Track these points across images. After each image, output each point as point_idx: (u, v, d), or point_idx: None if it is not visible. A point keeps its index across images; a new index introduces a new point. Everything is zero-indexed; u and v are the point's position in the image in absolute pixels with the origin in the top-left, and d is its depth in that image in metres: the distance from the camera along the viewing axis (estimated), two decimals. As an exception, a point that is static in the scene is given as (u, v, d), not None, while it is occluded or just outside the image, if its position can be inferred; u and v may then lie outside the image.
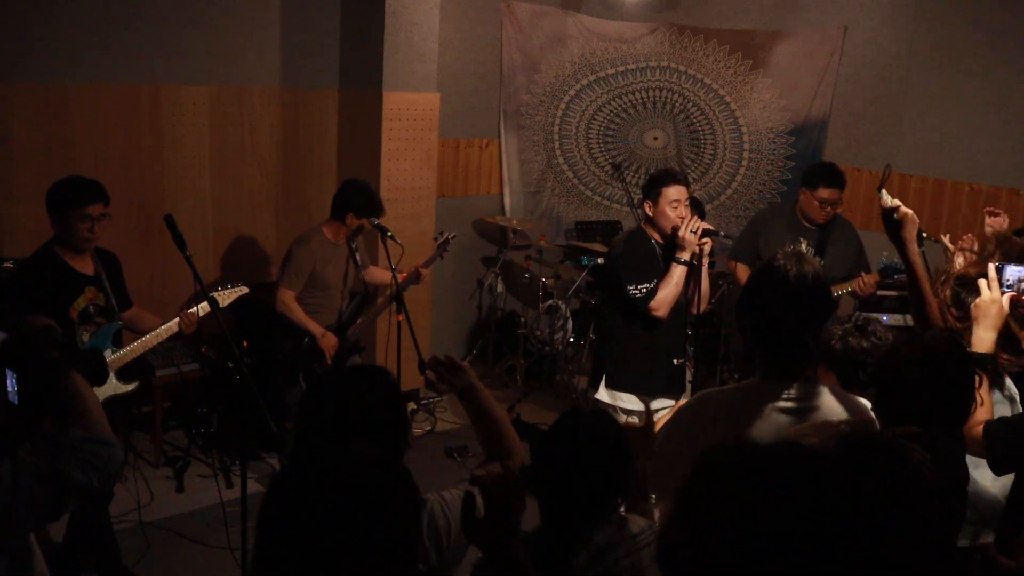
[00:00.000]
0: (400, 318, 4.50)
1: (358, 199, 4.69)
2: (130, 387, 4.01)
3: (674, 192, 3.87)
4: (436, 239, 5.11)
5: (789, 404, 2.16)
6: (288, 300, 4.70)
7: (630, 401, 4.03)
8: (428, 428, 5.79)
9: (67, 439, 1.92)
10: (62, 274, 3.75)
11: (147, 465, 4.88)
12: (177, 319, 4.09)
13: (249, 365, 3.64)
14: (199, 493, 4.68)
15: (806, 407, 2.16)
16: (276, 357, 4.83)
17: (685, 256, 3.84)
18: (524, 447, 2.17)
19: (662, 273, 3.91)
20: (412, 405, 5.96)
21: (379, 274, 5.11)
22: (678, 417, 2.35)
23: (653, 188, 3.92)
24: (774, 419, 2.15)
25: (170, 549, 4.18)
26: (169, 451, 5.03)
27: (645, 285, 3.85)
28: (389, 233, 4.62)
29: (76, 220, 3.70)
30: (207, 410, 5.10)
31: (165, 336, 4.09)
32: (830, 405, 2.19)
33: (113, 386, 3.96)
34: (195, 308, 4.10)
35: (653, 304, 3.84)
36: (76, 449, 1.90)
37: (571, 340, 6.41)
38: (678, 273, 3.84)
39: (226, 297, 4.25)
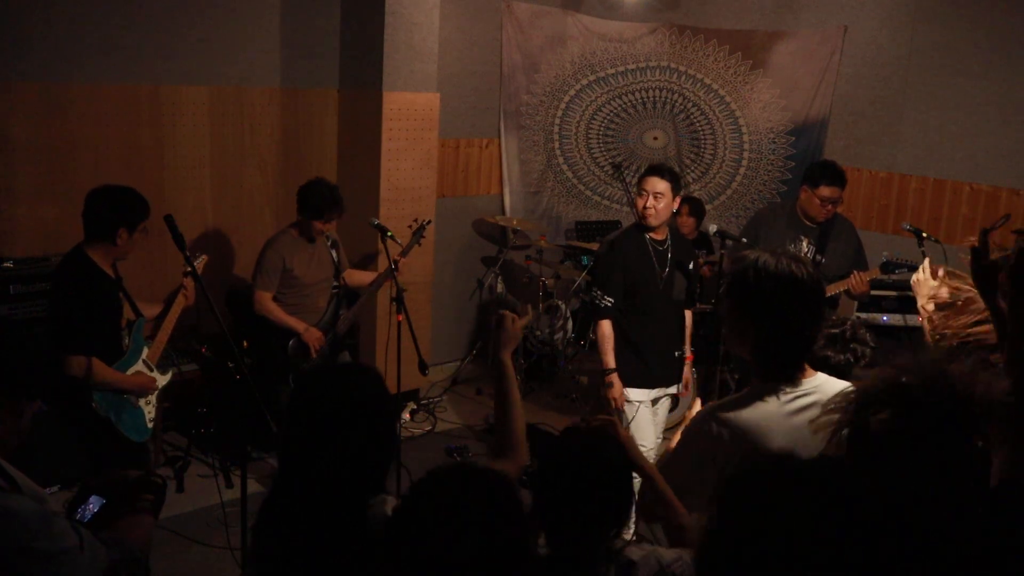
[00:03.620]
0: (400, 318, 4.50)
1: (317, 202, 4.63)
2: (168, 377, 4.03)
3: (647, 184, 4.08)
4: (411, 226, 5.10)
5: (796, 403, 2.15)
6: (264, 301, 4.71)
7: (635, 394, 4.18)
8: (428, 428, 5.79)
9: (124, 549, 1.93)
10: (106, 282, 3.67)
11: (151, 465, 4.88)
12: (181, 295, 4.08)
13: (249, 365, 3.63)
14: (199, 493, 4.68)
15: (810, 401, 2.16)
16: (276, 357, 4.82)
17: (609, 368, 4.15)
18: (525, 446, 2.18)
19: (654, 268, 4.11)
20: (412, 405, 5.96)
21: (357, 276, 5.12)
22: (689, 432, 2.28)
23: (637, 184, 4.19)
24: (787, 423, 2.14)
25: (170, 549, 4.18)
26: (169, 451, 5.03)
27: (609, 299, 4.13)
28: (389, 233, 4.63)
29: (140, 233, 3.65)
30: (207, 410, 5.11)
31: (175, 318, 4.08)
32: (831, 387, 2.19)
33: (160, 379, 3.98)
34: (187, 283, 4.07)
35: (597, 318, 4.17)
36: (126, 562, 1.91)
37: (571, 340, 6.41)
38: (602, 341, 4.15)
39: (199, 267, 4.17)
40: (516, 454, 2.15)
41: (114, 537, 1.91)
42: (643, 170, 4.22)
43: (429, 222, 5.14)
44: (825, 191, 4.59)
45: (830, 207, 4.63)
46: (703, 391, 5.45)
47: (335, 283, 4.98)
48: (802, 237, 4.73)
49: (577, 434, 2.11)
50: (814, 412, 2.06)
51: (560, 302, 6.29)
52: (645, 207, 4.04)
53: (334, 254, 4.88)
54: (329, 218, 4.68)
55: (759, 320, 2.16)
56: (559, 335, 6.32)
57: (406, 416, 5.85)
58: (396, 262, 4.72)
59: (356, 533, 1.81)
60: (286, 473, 1.87)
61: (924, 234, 4.46)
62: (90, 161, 4.85)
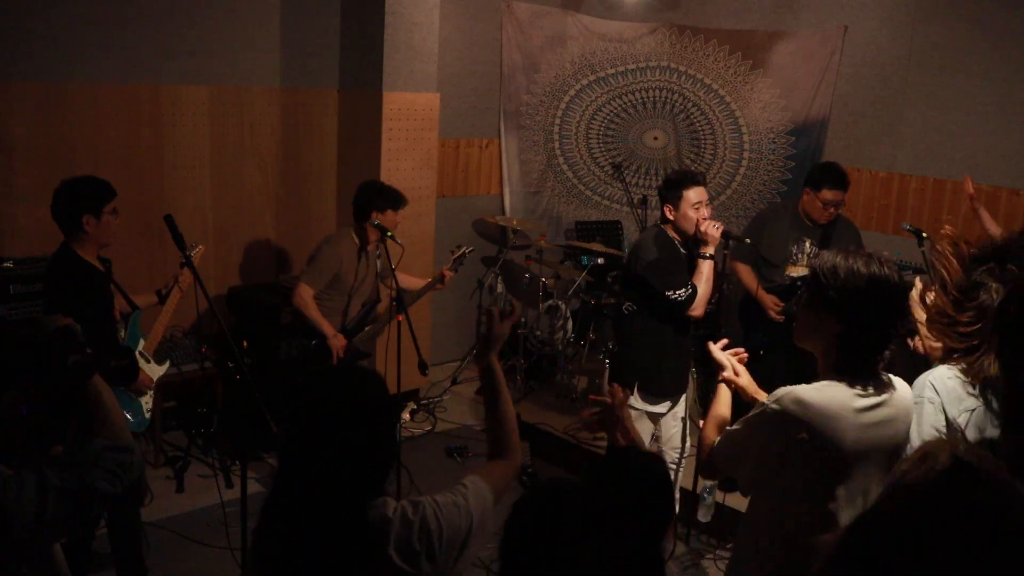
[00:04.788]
0: (400, 318, 4.50)
1: (377, 195, 4.69)
2: (165, 368, 4.04)
3: (695, 194, 3.88)
4: (453, 252, 5.07)
5: (868, 400, 2.27)
6: (307, 296, 4.68)
7: (663, 406, 4.10)
8: (428, 428, 5.79)
9: (92, 449, 1.91)
10: (96, 275, 3.70)
11: (147, 465, 4.87)
12: (176, 288, 4.10)
13: (249, 365, 3.63)
14: (199, 493, 4.68)
15: (882, 400, 2.28)
16: (278, 357, 4.82)
17: (710, 251, 3.89)
18: (525, 445, 2.18)
19: (685, 273, 3.95)
20: (412, 405, 5.96)
21: (408, 281, 5.06)
22: (763, 411, 2.33)
23: (673, 191, 3.91)
24: (858, 417, 2.25)
25: (170, 549, 4.18)
26: (169, 451, 5.03)
27: (684, 289, 3.87)
28: (389, 233, 4.62)
29: (109, 215, 3.68)
30: (207, 410, 5.10)
31: (172, 310, 4.09)
32: (900, 394, 2.33)
33: (157, 370, 3.99)
34: (182, 276, 4.09)
35: (693, 305, 3.89)
36: (100, 459, 1.89)
37: (571, 340, 6.41)
38: (708, 268, 3.90)
39: (196, 257, 4.18)
40: (513, 453, 2.15)
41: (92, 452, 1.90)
42: (670, 178, 4.00)
43: (472, 250, 5.10)
44: (828, 194, 4.59)
45: (832, 210, 4.63)
46: (703, 391, 5.45)
47: (372, 296, 4.97)
48: (805, 238, 4.74)
49: (626, 458, 2.12)
50: (885, 411, 2.27)
51: (560, 302, 6.28)
52: (704, 219, 3.87)
53: (379, 263, 4.84)
54: (383, 207, 4.66)
55: (846, 318, 2.23)
56: (559, 335, 6.31)
57: (406, 416, 5.85)
58: (443, 275, 4.87)
59: (356, 534, 1.81)
60: (286, 474, 1.87)
61: (924, 234, 4.46)
62: (90, 161, 4.84)
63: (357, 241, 4.77)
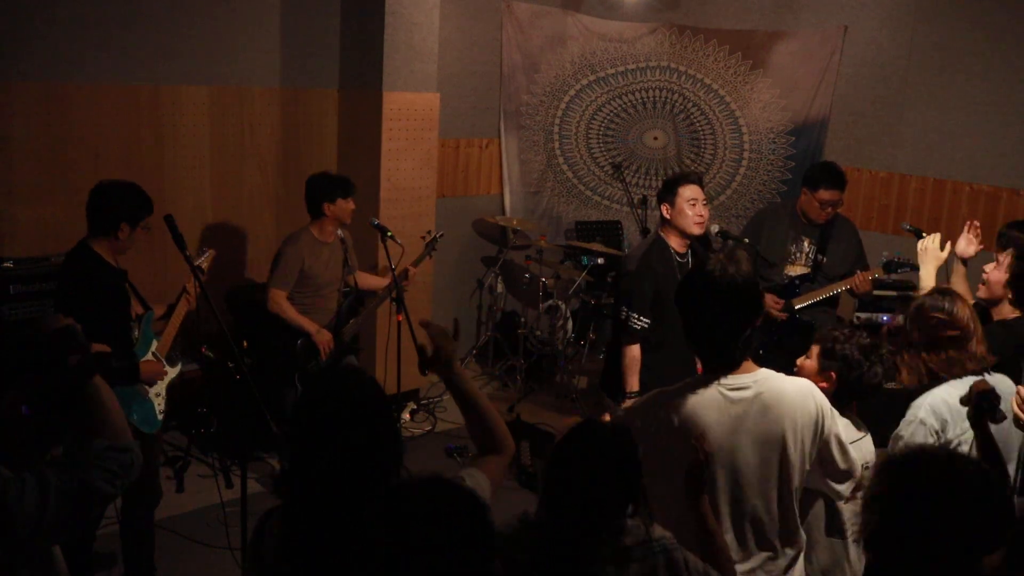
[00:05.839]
0: (400, 318, 4.50)
1: (323, 186, 4.68)
2: (177, 369, 4.04)
3: (690, 191, 3.88)
4: (424, 237, 5.12)
5: (737, 394, 2.35)
6: (279, 300, 4.69)
7: None
8: (428, 428, 5.79)
9: (92, 450, 1.91)
10: (113, 272, 3.69)
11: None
12: (184, 298, 4.10)
13: (249, 365, 3.63)
14: (199, 493, 4.68)
15: (752, 394, 2.35)
16: (276, 357, 4.82)
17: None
18: (524, 445, 2.19)
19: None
20: (412, 405, 5.96)
21: (368, 279, 5.11)
22: (636, 410, 2.53)
23: (669, 191, 3.93)
24: (728, 409, 2.33)
25: (170, 549, 4.18)
26: (169, 451, 5.03)
27: (646, 321, 3.84)
28: (389, 233, 4.63)
29: (142, 229, 3.66)
30: (207, 410, 5.10)
31: (183, 313, 4.08)
32: (775, 387, 2.38)
33: (170, 371, 3.99)
34: (189, 285, 4.09)
35: (626, 345, 3.89)
36: (101, 459, 1.90)
37: (571, 340, 6.41)
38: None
39: (204, 263, 4.20)
40: (504, 447, 2.17)
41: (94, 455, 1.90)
42: (666, 180, 4.01)
43: (442, 235, 5.16)
44: (825, 194, 4.59)
45: (830, 210, 4.63)
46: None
47: (346, 286, 4.98)
48: (803, 237, 4.74)
49: (593, 428, 2.15)
50: (757, 405, 2.33)
51: (560, 302, 6.28)
52: (697, 217, 3.86)
53: (346, 255, 4.87)
54: (333, 196, 4.64)
55: (698, 318, 2.37)
56: (559, 335, 6.32)
57: (406, 416, 5.85)
58: (407, 271, 4.80)
59: (357, 534, 1.81)
60: (287, 474, 1.88)
61: (924, 234, 4.45)
62: (90, 161, 4.85)
63: (317, 236, 4.75)
